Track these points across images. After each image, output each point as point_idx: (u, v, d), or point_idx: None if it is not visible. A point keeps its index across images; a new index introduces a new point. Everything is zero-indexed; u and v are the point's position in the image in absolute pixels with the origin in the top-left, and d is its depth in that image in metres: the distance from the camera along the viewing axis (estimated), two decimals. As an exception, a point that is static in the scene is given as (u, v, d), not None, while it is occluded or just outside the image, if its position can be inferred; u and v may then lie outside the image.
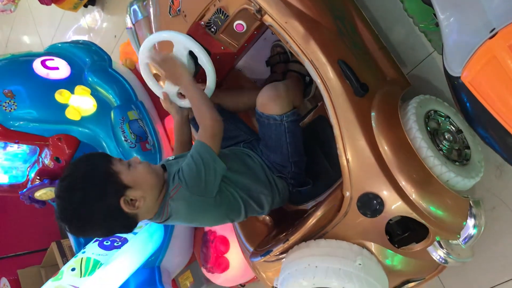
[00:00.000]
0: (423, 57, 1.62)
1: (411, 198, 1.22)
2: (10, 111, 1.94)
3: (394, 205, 1.23)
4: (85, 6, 3.25)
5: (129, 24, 1.91)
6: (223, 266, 1.99)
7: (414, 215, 1.22)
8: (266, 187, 1.45)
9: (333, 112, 1.28)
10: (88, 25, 3.46)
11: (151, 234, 1.84)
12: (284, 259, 1.38)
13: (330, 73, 1.29)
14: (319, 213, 1.31)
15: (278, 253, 1.40)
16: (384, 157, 1.25)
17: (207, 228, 2.09)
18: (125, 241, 1.75)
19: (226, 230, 2.02)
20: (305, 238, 1.35)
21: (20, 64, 2.10)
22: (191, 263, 2.29)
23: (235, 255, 1.98)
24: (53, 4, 3.10)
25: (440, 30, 1.16)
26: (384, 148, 1.26)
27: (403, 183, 1.23)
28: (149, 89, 2.29)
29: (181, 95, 1.53)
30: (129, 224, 1.28)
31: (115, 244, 1.73)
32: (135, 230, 1.77)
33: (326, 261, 1.27)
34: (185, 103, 1.52)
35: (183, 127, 1.56)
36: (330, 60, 1.30)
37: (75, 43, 2.29)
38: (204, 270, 2.09)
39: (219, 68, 1.47)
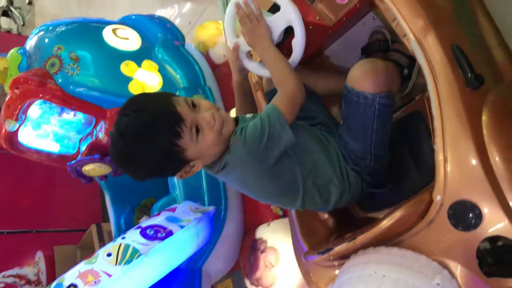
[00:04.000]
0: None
1: None
2: (72, 74, 1.86)
3: (496, 222, 1.03)
4: (165, -11, 3.19)
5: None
6: (270, 280, 1.82)
7: None
8: (337, 177, 1.27)
9: (437, 102, 1.10)
10: (164, 10, 3.42)
11: (198, 231, 1.67)
12: (344, 265, 1.19)
13: (440, 57, 1.12)
14: (398, 215, 1.11)
15: (338, 255, 1.21)
16: (493, 168, 1.05)
17: (257, 236, 1.92)
18: (170, 233, 1.58)
19: (278, 241, 1.85)
20: (374, 243, 1.16)
21: (90, 29, 2.04)
22: (234, 271, 2.12)
23: (284, 271, 1.81)
24: (133, -18, 3.05)
25: None
26: (495, 158, 1.05)
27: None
28: (218, 77, 2.17)
29: (250, 55, 1.40)
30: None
31: (159, 235, 1.57)
32: (182, 224, 1.61)
33: (397, 271, 1.07)
34: (251, 65, 1.40)
35: (240, 88, 1.45)
36: (442, 42, 1.13)
37: (151, 17, 2.21)
38: (247, 281, 1.93)
39: (309, 41, 1.32)
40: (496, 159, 1.06)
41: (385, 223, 1.13)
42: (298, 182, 1.24)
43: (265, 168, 1.19)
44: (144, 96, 1.27)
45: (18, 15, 6.17)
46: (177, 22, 3.21)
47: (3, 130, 1.93)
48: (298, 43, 1.31)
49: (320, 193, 1.27)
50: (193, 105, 1.17)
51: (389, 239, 1.15)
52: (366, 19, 1.51)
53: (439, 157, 1.08)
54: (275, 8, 1.33)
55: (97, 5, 4.50)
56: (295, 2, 1.30)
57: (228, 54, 1.44)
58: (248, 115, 1.31)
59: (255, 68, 1.40)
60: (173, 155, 1.14)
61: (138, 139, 1.13)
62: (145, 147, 1.13)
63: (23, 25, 6.15)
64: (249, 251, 1.93)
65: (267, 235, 1.88)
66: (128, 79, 1.92)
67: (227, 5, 1.51)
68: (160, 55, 2.03)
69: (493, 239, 1.07)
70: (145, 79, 1.94)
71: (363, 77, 1.22)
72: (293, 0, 1.31)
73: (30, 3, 6.14)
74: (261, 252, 1.86)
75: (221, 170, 1.22)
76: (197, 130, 1.15)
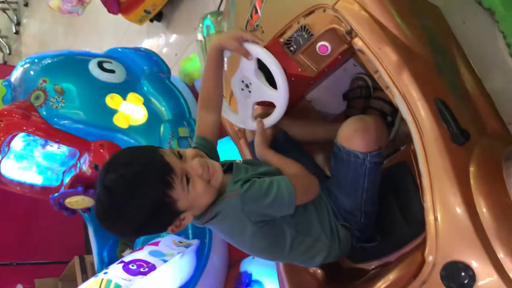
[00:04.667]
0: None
1: (510, 276, 1.00)
2: (57, 107, 1.87)
3: (488, 281, 1.01)
4: (151, 21, 3.22)
5: (200, 37, 1.82)
6: (255, 314, 1.80)
7: None
8: (326, 235, 1.25)
9: (424, 158, 1.09)
10: (150, 41, 3.45)
11: (182, 266, 1.65)
12: None
13: (424, 112, 1.11)
14: (391, 277, 1.11)
15: None
16: (481, 221, 1.04)
17: (242, 269, 1.90)
18: (152, 268, 1.56)
19: (263, 274, 1.82)
20: None
21: (76, 62, 2.05)
22: (218, 305, 2.09)
23: None
24: (119, 14, 3.08)
25: None
26: (483, 211, 1.05)
27: (502, 256, 1.01)
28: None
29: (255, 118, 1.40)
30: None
31: (142, 269, 1.54)
32: (165, 258, 1.59)
33: None
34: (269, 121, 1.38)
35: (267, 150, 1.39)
36: (426, 96, 1.12)
37: (137, 50, 2.24)
38: (233, 315, 1.90)
39: (291, 92, 1.31)
40: (483, 210, 1.05)
41: (379, 285, 1.13)
42: (286, 240, 1.21)
43: (254, 227, 1.16)
44: (129, 150, 1.19)
45: (5, 44, 6.20)
46: (163, 53, 3.23)
47: (-15, 162, 1.93)
48: (281, 98, 1.30)
49: (306, 251, 1.25)
50: (179, 155, 1.14)
51: (383, 300, 1.15)
52: (346, 65, 1.51)
53: (430, 216, 1.07)
54: (260, 64, 1.31)
55: (84, 35, 4.53)
56: (276, 55, 1.30)
57: (255, 138, 1.40)
58: (243, 165, 1.26)
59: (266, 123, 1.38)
60: (165, 207, 1.10)
61: (129, 193, 1.07)
62: (136, 201, 1.07)
63: (9, 54, 6.17)
64: (234, 285, 1.91)
65: (252, 268, 1.86)
66: (113, 112, 1.93)
67: (206, 49, 1.52)
68: (145, 88, 2.04)
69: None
70: (130, 111, 1.96)
71: (354, 136, 1.22)
72: (275, 52, 1.30)
73: (17, 32, 6.18)
74: (246, 286, 1.83)
75: (211, 219, 1.17)
76: (187, 180, 1.11)
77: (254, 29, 1.41)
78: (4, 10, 6.13)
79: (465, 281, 1.02)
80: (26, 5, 6.04)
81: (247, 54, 1.30)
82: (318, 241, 1.24)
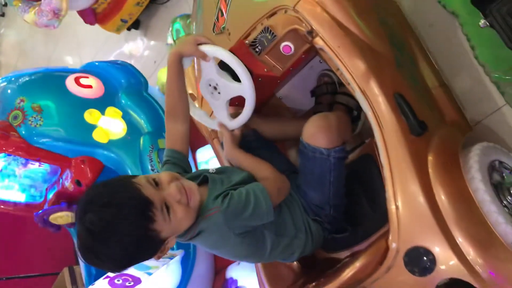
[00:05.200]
0: (490, 111, 1.46)
1: (468, 258, 1.06)
2: (35, 126, 1.87)
3: (448, 265, 1.07)
4: (128, 29, 3.23)
5: (170, 41, 1.84)
6: (241, 320, 1.83)
7: (469, 279, 1.05)
8: (301, 231, 1.30)
9: (385, 150, 1.15)
10: (129, 49, 3.45)
11: (168, 277, 1.68)
12: None
13: (384, 106, 1.17)
14: (358, 264, 1.17)
15: None
16: (440, 208, 1.10)
17: (228, 275, 1.94)
18: (137, 281, 1.59)
19: (248, 279, 1.86)
20: None
21: (53, 79, 2.06)
22: (207, 312, 2.11)
23: None
24: (97, 25, 3.08)
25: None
26: (441, 198, 1.11)
27: (460, 240, 1.07)
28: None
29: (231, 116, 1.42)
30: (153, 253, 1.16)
31: (127, 284, 1.57)
32: (150, 271, 1.62)
33: None
34: (237, 122, 1.41)
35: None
36: (385, 92, 1.18)
37: (113, 63, 2.24)
38: (220, 322, 1.93)
39: (259, 92, 1.35)
40: (442, 197, 1.11)
41: (347, 273, 1.17)
42: (267, 242, 1.25)
43: (238, 237, 1.19)
44: (106, 188, 1.13)
45: (-16, 55, 6.13)
46: (142, 60, 3.24)
47: (-33, 184, 1.94)
48: (246, 87, 1.33)
49: (285, 250, 1.29)
50: (155, 183, 1.13)
51: (351, 287, 1.19)
52: (313, 62, 1.55)
53: (391, 205, 1.12)
54: (222, 64, 1.34)
55: (64, 43, 4.51)
56: (243, 56, 1.32)
57: (222, 134, 1.44)
58: (212, 170, 1.30)
59: (240, 120, 1.40)
60: (149, 240, 1.09)
61: (110, 234, 1.05)
62: (119, 241, 1.06)
63: (-11, 65, 6.11)
64: (221, 291, 1.95)
65: (237, 274, 1.90)
66: (92, 127, 1.94)
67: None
68: (123, 101, 2.06)
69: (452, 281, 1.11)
70: (109, 126, 1.97)
71: (317, 134, 1.26)
72: (241, 54, 1.33)
73: (-5, 42, 6.13)
74: None
75: (195, 237, 1.19)
76: (167, 209, 1.10)
77: (221, 31, 1.45)
78: (-19, 21, 6.08)
79: (427, 265, 1.08)
80: (2, 15, 6.00)
81: (204, 56, 1.31)
82: (295, 238, 1.29)
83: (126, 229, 1.05)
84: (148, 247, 1.11)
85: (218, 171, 1.32)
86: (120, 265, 1.13)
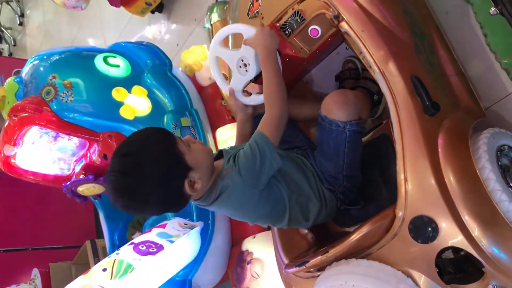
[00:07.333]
0: (501, 96, 1.51)
1: (473, 235, 1.13)
2: (66, 101, 1.95)
3: (450, 235, 1.15)
4: (152, 12, 3.31)
5: (207, 25, 1.95)
6: (256, 290, 1.90)
7: (471, 250, 1.13)
8: (315, 195, 1.39)
9: (398, 127, 1.23)
10: (152, 32, 3.52)
11: (188, 245, 1.77)
12: (320, 275, 1.31)
13: (400, 87, 1.25)
14: (365, 229, 1.24)
15: (314, 267, 1.33)
16: (446, 182, 1.17)
17: (244, 248, 2.01)
18: (160, 247, 1.68)
19: (263, 252, 1.91)
20: (346, 255, 1.28)
21: (83, 58, 2.12)
22: (223, 282, 2.20)
23: (269, 281, 1.86)
24: (121, 7, 3.16)
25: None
26: (449, 176, 1.18)
27: (466, 218, 1.14)
28: (204, 98, 2.28)
29: (246, 93, 1.54)
30: (184, 204, 1.31)
31: (150, 250, 1.66)
32: (172, 239, 1.72)
33: (364, 281, 1.20)
34: (250, 100, 1.53)
35: (246, 124, 1.55)
36: (403, 74, 1.26)
37: (139, 44, 2.31)
38: (235, 291, 2.00)
39: (286, 72, 1.45)
40: (450, 176, 1.18)
41: (354, 237, 1.25)
42: (285, 201, 1.36)
43: (257, 192, 1.30)
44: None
45: (9, 35, 6.27)
46: (165, 43, 3.31)
47: (2, 154, 2.04)
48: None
49: (302, 211, 1.39)
50: None
51: (358, 252, 1.27)
52: (339, 49, 1.64)
53: (401, 176, 1.21)
54: None
55: (87, 25, 4.59)
56: None
57: (228, 100, 1.58)
58: (228, 147, 1.43)
59: (254, 101, 1.53)
60: (175, 158, 1.24)
61: (142, 160, 1.21)
62: (150, 165, 1.21)
63: (14, 45, 6.24)
64: (236, 263, 2.00)
65: (253, 247, 1.96)
66: (119, 104, 2.02)
67: (212, 36, 1.66)
68: (148, 81, 2.12)
69: (455, 250, 1.19)
70: (135, 103, 2.04)
71: (334, 107, 1.36)
72: None
73: (21, 23, 6.24)
74: (248, 263, 1.92)
75: (217, 198, 1.31)
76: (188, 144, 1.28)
77: (255, 15, 1.55)
78: (7, 1, 6.20)
79: (430, 234, 1.16)
80: (28, -4, 6.11)
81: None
82: (309, 201, 1.39)
83: (155, 149, 1.21)
84: (175, 167, 1.23)
85: (232, 147, 1.44)
86: (157, 200, 1.25)
